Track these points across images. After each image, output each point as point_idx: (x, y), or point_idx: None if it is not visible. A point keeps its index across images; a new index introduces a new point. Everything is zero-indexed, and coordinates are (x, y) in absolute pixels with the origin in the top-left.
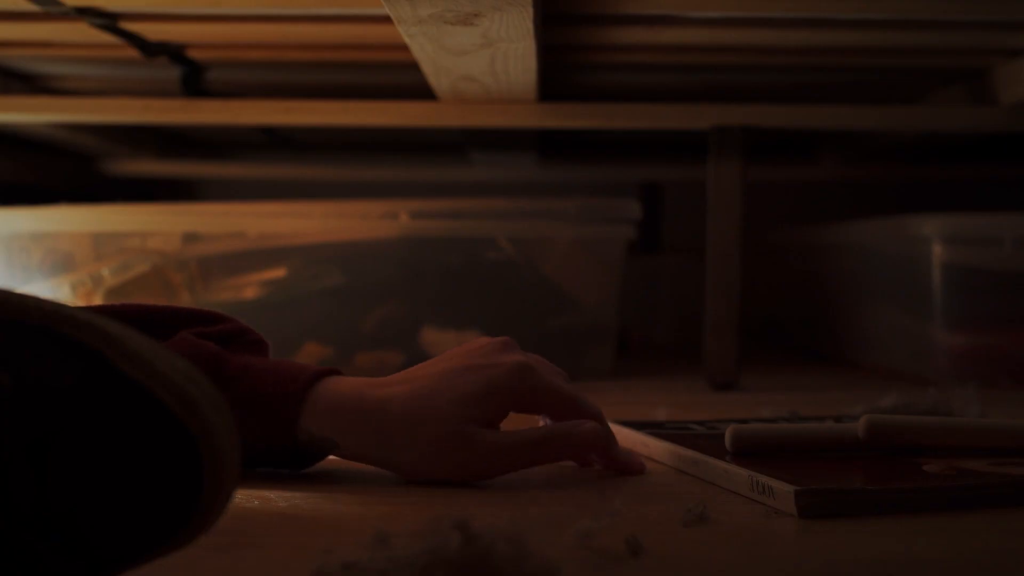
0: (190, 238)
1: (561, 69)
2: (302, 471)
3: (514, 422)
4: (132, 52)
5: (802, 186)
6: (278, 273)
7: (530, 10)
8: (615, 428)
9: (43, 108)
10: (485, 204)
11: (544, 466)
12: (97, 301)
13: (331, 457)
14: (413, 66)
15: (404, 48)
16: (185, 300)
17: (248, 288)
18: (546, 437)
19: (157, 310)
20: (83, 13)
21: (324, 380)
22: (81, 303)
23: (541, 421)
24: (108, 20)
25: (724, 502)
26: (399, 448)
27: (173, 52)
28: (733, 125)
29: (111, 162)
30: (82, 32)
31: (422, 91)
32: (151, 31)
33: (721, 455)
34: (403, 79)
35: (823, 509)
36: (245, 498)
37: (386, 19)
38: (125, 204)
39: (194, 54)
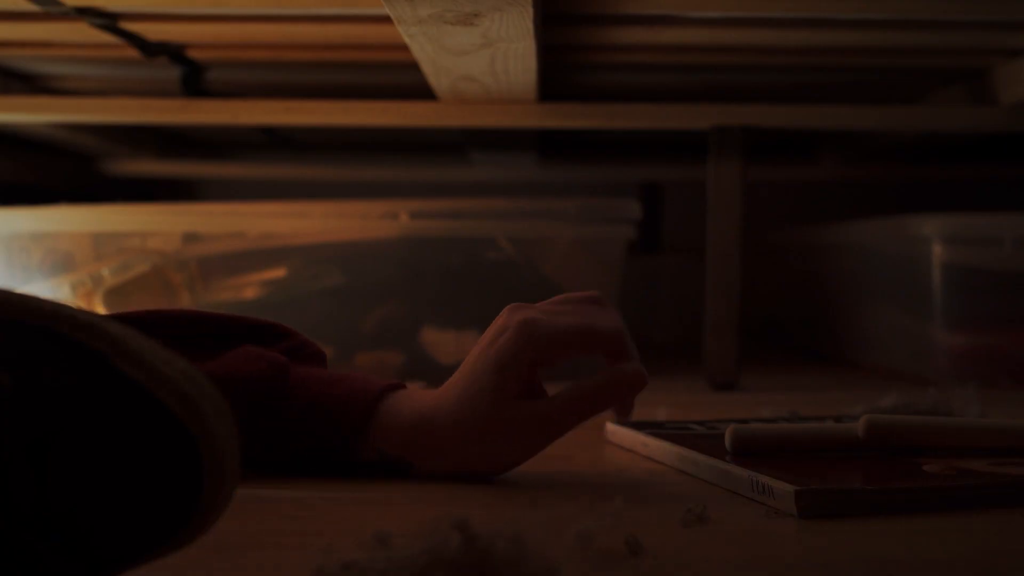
0: (190, 238)
1: (561, 69)
2: None
3: None
4: (132, 52)
5: (802, 186)
6: (278, 273)
7: (530, 10)
8: (614, 428)
9: (43, 108)
10: (485, 204)
11: (543, 466)
12: (97, 301)
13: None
14: (413, 66)
15: (404, 48)
16: (185, 300)
17: (248, 288)
18: (595, 388)
19: (221, 319)
20: (83, 13)
21: (389, 397)
22: (81, 303)
23: None
24: (108, 20)
25: (724, 502)
26: (463, 452)
27: (173, 52)
28: (733, 125)
29: (111, 162)
30: (82, 32)
31: (422, 91)
32: (151, 31)
33: (721, 455)
34: (403, 79)
35: (823, 509)
36: (245, 498)
37: (386, 19)
38: (125, 204)
39: (194, 54)
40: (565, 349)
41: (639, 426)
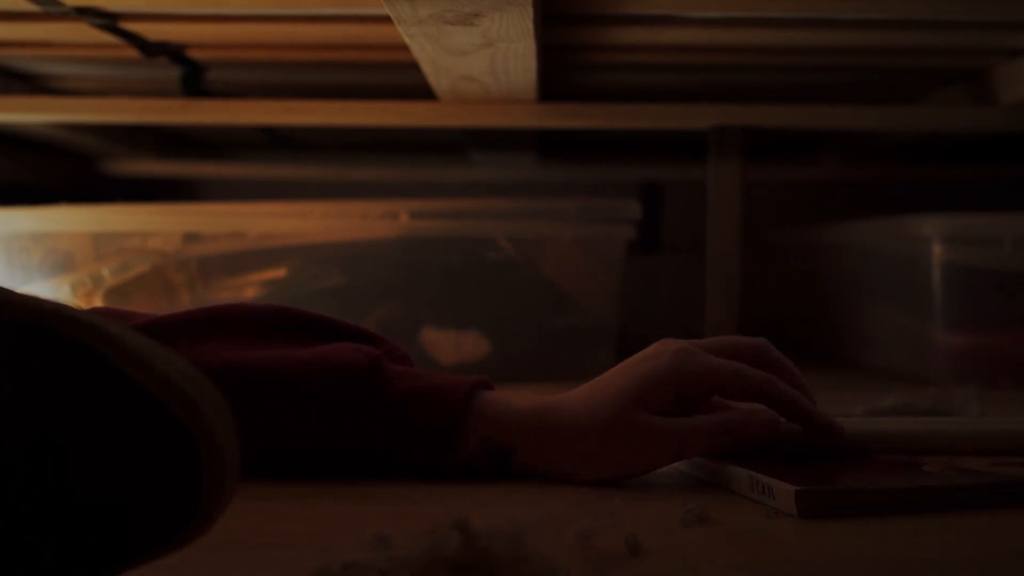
0: (190, 238)
1: (561, 69)
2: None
3: None
4: (132, 52)
5: (802, 186)
6: (278, 273)
7: (530, 10)
8: None
9: (43, 108)
10: (485, 204)
11: None
12: (97, 301)
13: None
14: (413, 66)
15: (404, 48)
16: (185, 300)
17: (248, 288)
18: (722, 425)
19: (313, 316)
20: (83, 13)
21: (486, 391)
22: (81, 303)
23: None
24: (108, 20)
25: (724, 502)
26: (573, 446)
27: (173, 52)
28: (733, 125)
29: (111, 162)
30: (82, 32)
31: (422, 91)
32: (151, 31)
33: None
34: (403, 79)
35: (823, 509)
36: (245, 498)
37: (386, 19)
38: (125, 204)
39: (194, 54)
40: (712, 387)
41: None
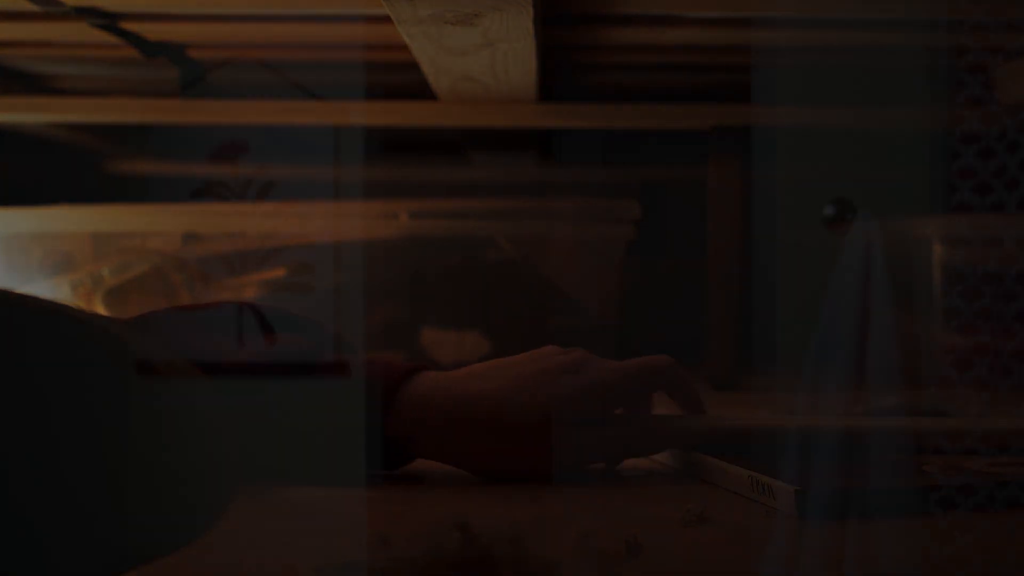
0: (190, 238)
1: (561, 69)
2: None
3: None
4: (132, 52)
5: None
6: (278, 273)
7: (530, 10)
8: None
9: (43, 108)
10: (485, 204)
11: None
12: (97, 301)
13: None
14: (413, 66)
15: (404, 48)
16: (185, 300)
17: (248, 288)
18: (638, 369)
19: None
20: (83, 13)
21: (415, 377)
22: (81, 303)
23: None
24: (108, 20)
25: (724, 502)
26: (490, 443)
27: (173, 52)
28: (733, 125)
29: (111, 162)
30: (82, 32)
31: (422, 91)
32: (151, 31)
33: (721, 455)
34: (403, 79)
35: (823, 509)
36: (245, 498)
37: (386, 19)
38: (125, 204)
39: (194, 54)
40: (631, 392)
41: None
